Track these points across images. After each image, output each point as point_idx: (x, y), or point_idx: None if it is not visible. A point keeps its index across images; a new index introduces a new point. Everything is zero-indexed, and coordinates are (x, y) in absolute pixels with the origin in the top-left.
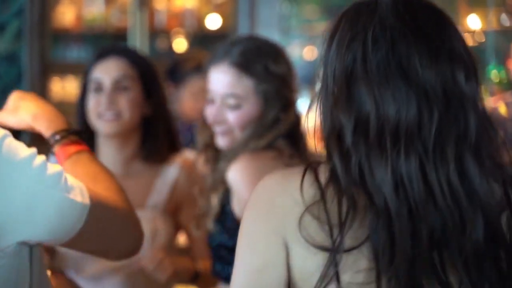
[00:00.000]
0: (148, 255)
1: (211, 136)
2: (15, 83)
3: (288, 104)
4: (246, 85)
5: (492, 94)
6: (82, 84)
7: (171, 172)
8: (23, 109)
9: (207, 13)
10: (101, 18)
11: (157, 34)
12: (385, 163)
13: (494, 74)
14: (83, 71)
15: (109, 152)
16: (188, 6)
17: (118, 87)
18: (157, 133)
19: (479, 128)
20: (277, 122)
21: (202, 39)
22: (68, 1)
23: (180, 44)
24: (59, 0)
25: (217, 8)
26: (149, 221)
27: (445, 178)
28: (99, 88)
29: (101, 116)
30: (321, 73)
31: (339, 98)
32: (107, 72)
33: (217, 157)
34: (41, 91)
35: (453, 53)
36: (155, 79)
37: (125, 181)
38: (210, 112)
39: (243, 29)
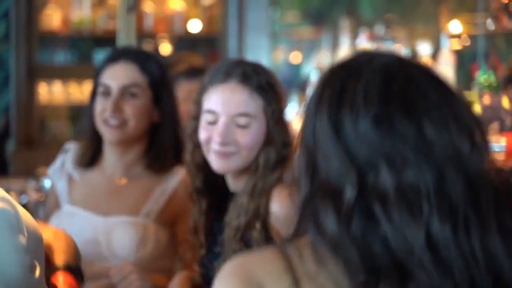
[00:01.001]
0: (117, 266)
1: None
2: (2, 86)
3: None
4: (257, 104)
5: (482, 97)
6: (93, 87)
7: (171, 182)
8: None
9: (196, 16)
10: (88, 21)
11: (145, 37)
12: (417, 225)
13: (484, 78)
14: (69, 75)
15: (111, 156)
16: (177, 10)
17: (125, 93)
18: (162, 142)
19: (493, 198)
20: (286, 147)
21: (190, 42)
22: (55, 4)
23: (168, 48)
24: (45, 2)
25: (206, 12)
26: (140, 228)
27: (479, 244)
28: (106, 93)
29: (106, 122)
30: (302, 135)
31: (330, 155)
32: (115, 77)
33: (207, 196)
34: (28, 94)
35: (459, 120)
36: (165, 86)
37: (125, 184)
38: (210, 132)
39: (232, 33)
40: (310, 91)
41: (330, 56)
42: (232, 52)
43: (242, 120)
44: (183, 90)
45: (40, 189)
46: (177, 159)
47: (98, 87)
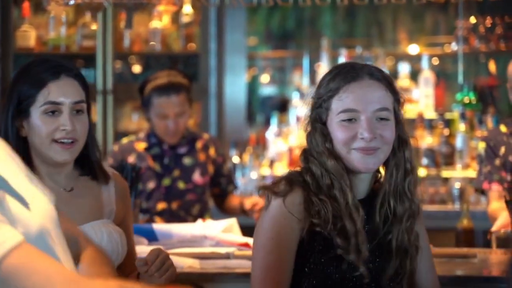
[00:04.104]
0: (152, 252)
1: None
2: None
3: None
4: (390, 100)
5: (464, 116)
6: (14, 105)
7: (111, 185)
8: None
9: (174, 34)
10: (64, 40)
11: (123, 55)
12: None
13: (466, 99)
14: None
15: (45, 172)
16: (155, 28)
17: (72, 110)
18: (89, 153)
19: None
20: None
21: (169, 60)
22: (30, 22)
23: (145, 66)
24: (21, 21)
25: (184, 30)
26: (116, 227)
27: None
28: (54, 111)
29: (56, 141)
30: None
31: None
32: (65, 94)
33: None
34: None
35: None
36: (89, 101)
37: (73, 192)
38: (351, 131)
39: (211, 50)
40: (291, 111)
41: (308, 77)
42: (212, 70)
43: (384, 114)
44: (162, 105)
45: None
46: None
47: (39, 105)
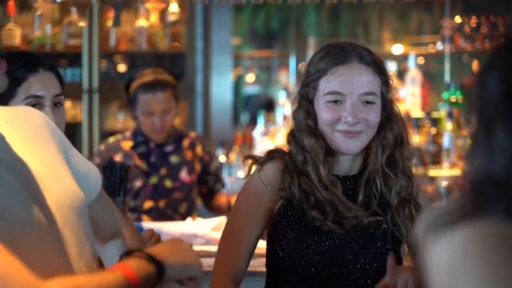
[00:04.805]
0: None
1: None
2: None
3: None
4: (377, 83)
5: (451, 115)
6: None
7: None
8: None
9: (160, 33)
10: (50, 39)
11: (109, 54)
12: None
13: (452, 97)
14: None
15: None
16: (141, 26)
17: (54, 103)
18: None
19: None
20: (401, 123)
21: (155, 59)
22: (16, 21)
23: (131, 64)
24: (6, 20)
25: (171, 28)
26: None
27: None
28: (36, 105)
29: None
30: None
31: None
32: (45, 88)
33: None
34: None
35: None
36: (64, 93)
37: None
38: (336, 113)
39: (198, 49)
40: (278, 111)
41: (295, 76)
42: (198, 69)
43: (370, 98)
44: (148, 102)
45: None
46: None
47: (19, 99)
